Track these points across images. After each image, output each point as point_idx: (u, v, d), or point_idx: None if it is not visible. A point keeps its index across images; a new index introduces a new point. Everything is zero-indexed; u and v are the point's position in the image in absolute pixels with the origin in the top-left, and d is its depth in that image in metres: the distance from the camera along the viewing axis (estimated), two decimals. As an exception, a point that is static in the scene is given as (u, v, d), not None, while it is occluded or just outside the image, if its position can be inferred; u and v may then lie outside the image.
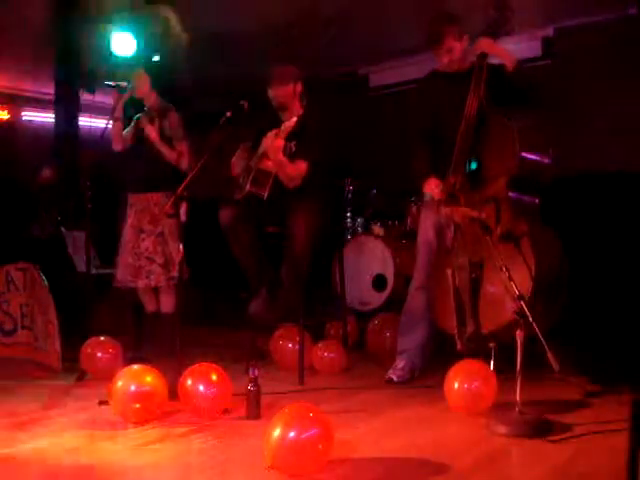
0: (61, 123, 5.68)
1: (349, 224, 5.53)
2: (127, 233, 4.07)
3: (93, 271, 4.08)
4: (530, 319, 2.50)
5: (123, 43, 5.21)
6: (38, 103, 8.34)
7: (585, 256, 3.99)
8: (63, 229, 5.03)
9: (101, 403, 2.91)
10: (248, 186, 3.63)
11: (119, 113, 4.11)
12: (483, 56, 3.19)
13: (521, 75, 3.16)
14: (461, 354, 2.99)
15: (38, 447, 2.41)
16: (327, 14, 5.60)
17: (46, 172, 6.52)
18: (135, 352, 3.78)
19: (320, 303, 5.00)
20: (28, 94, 8.39)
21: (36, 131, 8.38)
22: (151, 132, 3.99)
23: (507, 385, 2.73)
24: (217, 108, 3.50)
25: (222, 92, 6.37)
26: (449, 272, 3.06)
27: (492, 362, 3.06)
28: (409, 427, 2.65)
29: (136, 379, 2.68)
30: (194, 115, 4.33)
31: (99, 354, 3.49)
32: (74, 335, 3.68)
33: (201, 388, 2.72)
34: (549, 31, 5.96)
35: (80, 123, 5.65)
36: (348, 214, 5.54)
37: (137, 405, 2.65)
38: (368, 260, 5.03)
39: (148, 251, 3.97)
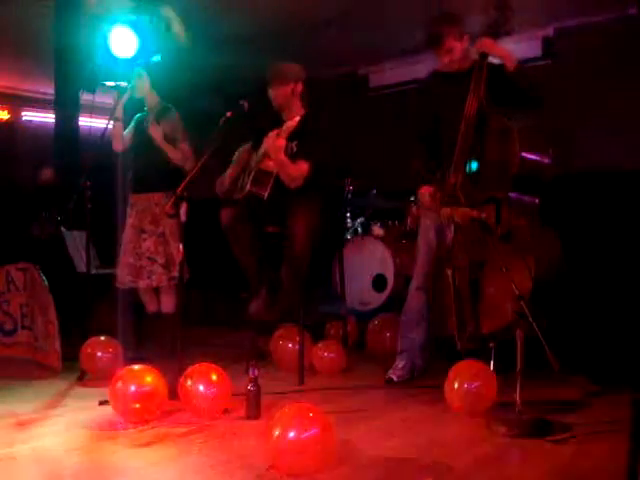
0: (61, 123, 5.67)
1: (349, 224, 5.53)
2: (128, 233, 4.07)
3: (93, 271, 4.08)
4: (530, 319, 2.50)
5: (123, 43, 5.20)
6: (38, 103, 8.33)
7: (585, 256, 3.99)
8: (63, 229, 5.02)
9: (101, 403, 2.91)
10: (248, 186, 3.63)
11: (119, 113, 4.10)
12: (483, 56, 3.19)
13: (521, 75, 3.16)
14: (461, 354, 2.99)
15: (38, 447, 2.41)
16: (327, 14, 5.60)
17: (46, 172, 6.51)
18: (135, 352, 3.78)
19: (320, 303, 5.00)
20: (28, 94, 8.39)
21: (36, 131, 8.37)
22: (155, 133, 3.99)
23: (507, 385, 2.73)
24: (217, 108, 3.50)
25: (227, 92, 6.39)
26: (449, 272, 3.07)
27: (492, 362, 3.06)
28: (409, 427, 2.65)
29: (136, 379, 2.68)
30: (194, 115, 4.32)
31: (99, 354, 3.49)
32: (74, 335, 3.68)
33: (201, 388, 2.72)
34: (549, 31, 5.96)
35: (80, 123, 5.64)
36: (348, 214, 5.54)
37: (137, 405, 2.65)
38: (368, 260, 5.03)
39: (149, 251, 3.97)
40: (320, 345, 3.71)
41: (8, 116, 8.49)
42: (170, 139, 4.03)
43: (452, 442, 2.50)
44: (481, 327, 3.01)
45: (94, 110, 4.64)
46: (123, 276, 4.02)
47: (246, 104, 3.43)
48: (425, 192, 3.29)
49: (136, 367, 2.77)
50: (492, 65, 3.22)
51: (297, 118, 3.47)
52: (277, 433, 2.06)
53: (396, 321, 3.62)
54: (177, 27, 5.75)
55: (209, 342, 4.51)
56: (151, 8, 5.56)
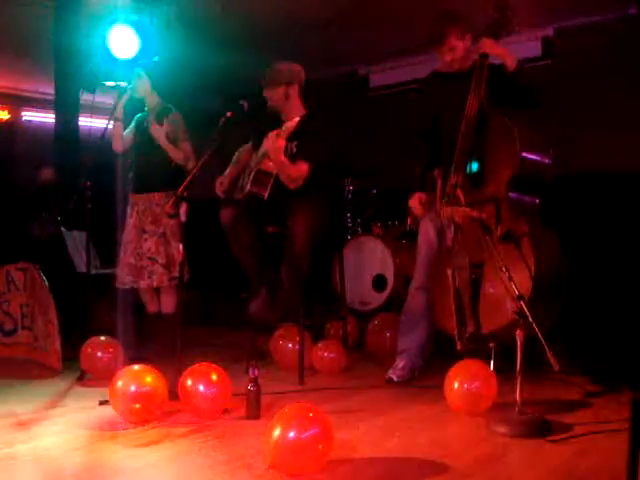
0: (61, 123, 5.67)
1: (349, 224, 5.53)
2: (129, 233, 4.07)
3: (93, 271, 4.08)
4: (530, 319, 2.50)
5: (123, 43, 5.20)
6: (38, 103, 8.33)
7: (585, 256, 3.99)
8: (63, 229, 5.03)
9: (101, 403, 2.91)
10: (249, 186, 3.63)
11: (119, 113, 4.11)
12: (484, 56, 3.19)
13: (522, 75, 3.16)
14: (461, 354, 2.99)
15: (38, 447, 2.41)
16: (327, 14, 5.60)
17: (46, 172, 6.51)
18: (135, 352, 3.78)
19: (320, 303, 5.00)
20: (28, 94, 8.39)
21: (36, 131, 8.37)
22: (157, 133, 3.98)
23: (507, 385, 2.73)
24: (217, 108, 3.51)
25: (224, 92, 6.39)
26: (449, 272, 3.07)
27: (492, 362, 3.06)
28: (409, 427, 2.65)
29: (136, 379, 2.68)
30: (194, 115, 4.33)
31: (99, 354, 3.49)
32: (74, 335, 3.68)
33: (201, 388, 2.72)
34: (549, 31, 5.96)
35: (80, 123, 5.64)
36: (348, 214, 5.54)
37: (137, 405, 2.65)
38: (368, 260, 5.03)
39: (150, 251, 3.97)
40: (320, 345, 3.71)
41: (8, 116, 8.49)
42: (172, 139, 4.03)
43: (452, 442, 2.50)
44: (481, 327, 3.01)
45: (94, 110, 4.64)
46: (123, 276, 4.02)
47: (246, 104, 3.43)
48: (415, 201, 3.35)
49: (136, 367, 2.77)
50: (492, 65, 3.22)
51: (296, 119, 3.47)
52: (277, 433, 2.06)
53: (396, 321, 3.62)
54: (176, 27, 5.75)
55: (209, 342, 4.51)
56: (151, 8, 5.57)
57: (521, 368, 2.50)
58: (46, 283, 3.70)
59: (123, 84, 4.12)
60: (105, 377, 3.02)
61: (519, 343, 2.48)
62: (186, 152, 4.03)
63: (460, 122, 3.16)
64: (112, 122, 4.08)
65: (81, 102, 5.60)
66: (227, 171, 3.86)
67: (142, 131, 4.09)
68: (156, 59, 4.85)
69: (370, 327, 4.18)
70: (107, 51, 5.11)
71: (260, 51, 5.05)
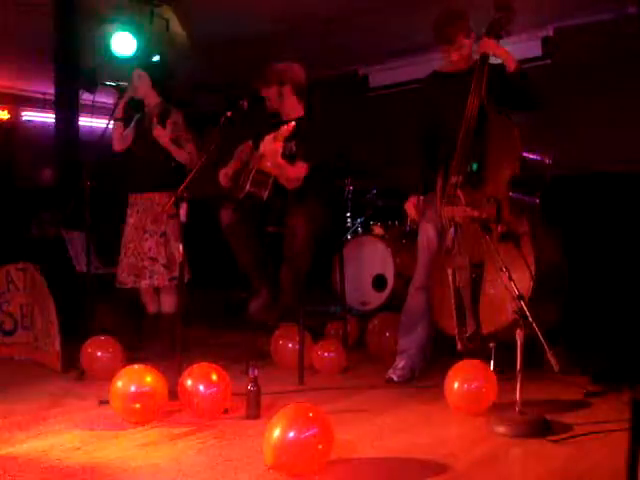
0: (61, 123, 5.68)
1: (349, 224, 5.53)
2: (129, 233, 4.06)
3: (93, 271, 4.08)
4: (530, 319, 2.50)
5: (123, 43, 5.21)
6: (38, 103, 8.33)
7: (585, 256, 3.99)
8: (63, 229, 5.03)
9: (101, 403, 2.91)
10: (248, 186, 3.63)
11: (120, 113, 4.10)
12: (485, 56, 3.19)
13: (522, 76, 3.16)
14: (461, 354, 2.99)
15: (38, 447, 2.41)
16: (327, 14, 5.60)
17: (46, 172, 6.52)
18: (135, 352, 3.78)
19: (320, 303, 5.00)
20: (28, 94, 8.39)
21: (36, 131, 8.37)
22: (161, 134, 3.98)
23: (507, 385, 2.73)
24: (217, 108, 3.51)
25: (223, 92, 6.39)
26: (449, 272, 3.07)
27: (492, 362, 3.06)
28: (409, 427, 2.65)
29: (136, 379, 2.68)
30: (194, 115, 4.33)
31: (99, 354, 3.49)
32: (74, 335, 3.68)
33: (201, 388, 2.72)
34: (549, 31, 5.96)
35: (80, 123, 5.65)
36: (348, 214, 5.54)
37: (137, 405, 2.65)
38: (368, 260, 5.03)
39: (151, 251, 3.97)
40: (320, 345, 3.71)
41: (8, 116, 8.49)
42: (175, 140, 4.02)
43: (452, 442, 2.50)
44: (481, 327, 3.01)
45: (94, 110, 4.64)
46: (124, 276, 4.02)
47: (246, 104, 3.43)
48: (410, 204, 3.37)
49: (136, 367, 2.77)
50: (493, 65, 3.22)
51: (293, 123, 3.48)
52: (277, 433, 2.06)
53: (396, 321, 3.61)
54: (176, 27, 5.76)
55: (209, 342, 4.51)
56: (151, 8, 5.57)
57: (521, 368, 2.50)
58: (46, 283, 3.70)
59: (123, 84, 4.12)
60: (105, 377, 3.02)
61: (519, 343, 2.48)
62: (191, 152, 4.03)
63: (460, 122, 3.16)
64: (112, 122, 4.08)
65: (81, 102, 5.60)
66: (230, 163, 3.87)
67: (142, 131, 4.08)
68: (156, 59, 4.85)
69: (370, 327, 4.18)
70: (107, 51, 5.12)
71: (260, 51, 5.05)
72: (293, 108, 3.79)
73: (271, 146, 3.49)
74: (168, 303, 4.07)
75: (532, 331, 2.51)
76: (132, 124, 4.14)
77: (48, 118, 7.58)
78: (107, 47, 5.18)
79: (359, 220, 5.51)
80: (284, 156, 3.53)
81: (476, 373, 2.78)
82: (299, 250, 3.54)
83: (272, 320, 3.82)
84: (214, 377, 2.75)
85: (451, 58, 3.30)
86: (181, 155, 4.01)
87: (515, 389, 2.51)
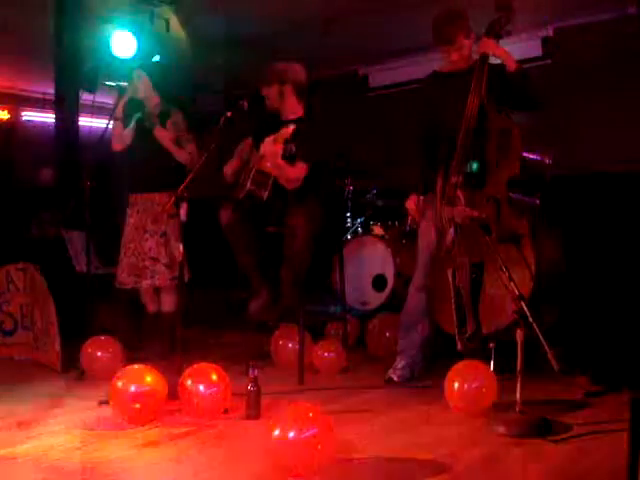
0: (61, 123, 5.68)
1: (349, 224, 5.53)
2: (129, 233, 4.06)
3: (93, 271, 4.08)
4: (530, 319, 2.50)
5: (123, 43, 5.21)
6: (38, 103, 8.33)
7: (585, 256, 3.99)
8: (63, 229, 5.03)
9: (101, 403, 2.91)
10: (249, 185, 3.63)
11: (119, 113, 4.10)
12: (484, 56, 3.19)
13: (522, 76, 3.16)
14: (461, 354, 2.99)
15: (38, 447, 2.41)
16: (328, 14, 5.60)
17: (46, 172, 6.51)
18: (135, 352, 3.78)
19: (320, 303, 5.00)
20: (28, 94, 8.39)
21: (36, 131, 8.37)
22: (162, 135, 3.97)
23: (507, 385, 2.72)
24: (217, 108, 3.51)
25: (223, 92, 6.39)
26: (449, 272, 3.07)
27: (492, 362, 3.06)
28: (409, 427, 2.65)
29: (136, 379, 2.68)
30: (194, 115, 4.33)
31: (99, 354, 3.49)
32: (74, 335, 3.68)
33: (201, 388, 2.72)
34: (549, 31, 5.96)
35: (80, 123, 5.65)
36: (348, 214, 5.54)
37: (137, 405, 2.65)
38: (368, 260, 5.03)
39: (152, 251, 3.96)
40: (320, 345, 3.71)
41: (8, 116, 8.49)
42: (176, 140, 4.02)
43: (452, 442, 2.50)
44: (481, 327, 3.01)
45: (94, 110, 4.64)
46: (124, 277, 4.01)
47: (246, 104, 3.43)
48: (411, 202, 3.36)
49: (136, 367, 2.77)
50: (493, 65, 3.22)
51: (292, 127, 3.48)
52: (277, 433, 2.06)
53: (396, 321, 3.62)
54: (176, 27, 5.75)
55: (209, 342, 4.51)
56: (151, 8, 5.57)
57: (521, 368, 2.49)
58: (46, 283, 3.70)
59: (123, 84, 4.12)
60: (105, 377, 3.02)
61: (519, 343, 2.48)
62: (191, 152, 4.02)
63: (460, 122, 3.16)
64: (112, 122, 4.07)
65: (81, 102, 5.60)
66: (232, 161, 3.87)
67: (141, 131, 4.08)
68: (156, 59, 4.85)
69: (370, 327, 4.18)
70: (107, 51, 5.12)
71: (260, 51, 5.05)
72: (293, 108, 3.79)
73: (271, 148, 3.50)
74: (168, 303, 4.06)
75: (532, 331, 2.51)
76: (132, 124, 4.13)
77: (48, 118, 7.57)
78: (107, 47, 5.18)
79: (359, 220, 5.51)
80: (284, 157, 3.53)
81: (476, 373, 2.78)
82: (299, 250, 3.54)
83: (272, 320, 3.82)
84: (214, 377, 2.75)
85: (451, 58, 3.30)
86: (181, 155, 4.01)
87: (515, 389, 2.51)
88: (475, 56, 3.27)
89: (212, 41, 5.93)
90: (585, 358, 3.50)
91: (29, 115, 8.64)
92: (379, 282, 4.97)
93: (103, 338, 3.56)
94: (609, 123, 5.32)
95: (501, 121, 3.15)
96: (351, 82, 7.33)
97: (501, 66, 3.19)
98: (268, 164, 3.57)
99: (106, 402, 2.81)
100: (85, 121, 5.54)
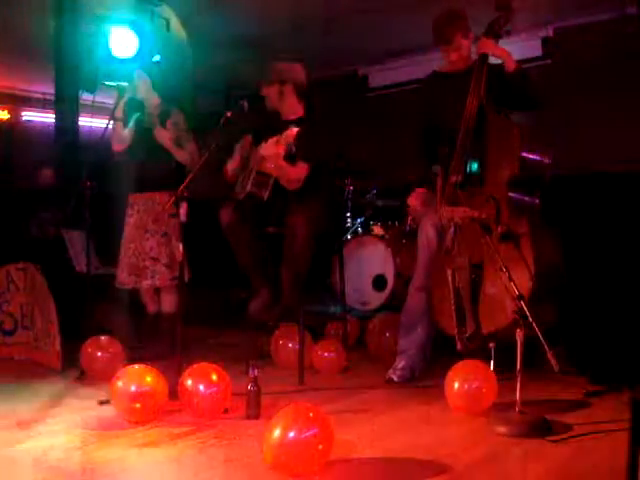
0: (61, 123, 5.68)
1: (349, 224, 5.53)
2: (129, 233, 4.05)
3: (93, 271, 4.08)
4: (530, 319, 2.50)
5: (123, 43, 5.20)
6: (38, 103, 8.34)
7: (585, 256, 3.99)
8: (63, 229, 5.03)
9: (101, 403, 2.91)
10: (249, 186, 3.63)
11: (119, 113, 4.10)
12: (484, 56, 3.20)
13: (521, 76, 3.16)
14: (461, 354, 2.99)
15: (38, 447, 2.41)
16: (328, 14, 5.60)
17: (46, 172, 6.51)
18: (135, 352, 3.77)
19: (320, 303, 5.00)
20: (28, 94, 8.39)
21: (36, 131, 8.37)
22: (163, 135, 3.97)
23: (507, 385, 2.73)
24: (217, 108, 3.51)
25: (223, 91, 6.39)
26: (449, 272, 3.06)
27: (492, 362, 3.06)
28: (409, 427, 2.65)
29: (136, 379, 2.68)
30: (194, 115, 4.33)
31: (99, 354, 3.49)
32: (74, 335, 3.68)
33: (201, 388, 2.72)
34: (549, 31, 5.97)
35: (80, 123, 5.65)
36: (348, 214, 5.54)
37: (137, 405, 2.65)
38: (368, 260, 5.03)
39: (153, 251, 3.96)
40: (320, 345, 3.71)
41: (8, 116, 8.49)
42: (176, 140, 4.02)
43: (452, 442, 2.50)
44: (481, 327, 3.01)
45: (94, 110, 4.64)
46: (125, 277, 4.01)
47: (246, 104, 3.43)
48: (414, 197, 3.36)
49: (136, 367, 2.77)
50: (492, 65, 3.22)
51: (295, 130, 3.48)
52: (277, 433, 2.06)
53: (396, 321, 3.62)
54: (177, 27, 5.75)
55: (209, 342, 4.51)
56: (151, 8, 5.57)
57: (521, 368, 2.49)
58: (46, 283, 3.70)
59: (123, 84, 4.12)
60: (105, 377, 3.02)
61: (519, 343, 2.48)
62: (191, 152, 4.02)
63: (460, 122, 3.16)
64: (112, 122, 4.07)
65: (81, 102, 5.60)
66: (232, 160, 3.87)
67: (141, 130, 4.08)
68: (156, 59, 4.85)
69: (370, 327, 4.18)
70: (107, 51, 5.12)
71: (260, 51, 5.06)
72: (293, 108, 3.79)
73: (273, 149, 3.50)
74: (168, 302, 4.06)
75: (532, 331, 2.51)
76: (131, 124, 4.13)
77: (48, 118, 7.58)
78: (107, 47, 5.18)
79: (359, 220, 5.51)
80: (285, 158, 3.53)
81: (476, 373, 2.78)
82: (299, 250, 3.54)
83: (272, 320, 3.82)
84: (214, 377, 2.75)
85: (450, 58, 3.30)
86: (182, 155, 4.01)
87: (515, 389, 2.51)
88: (474, 56, 3.28)
89: (212, 41, 5.94)
90: (585, 358, 3.50)
91: (29, 115, 8.64)
92: (379, 282, 4.98)
93: (103, 338, 3.56)
94: (609, 123, 5.33)
95: (500, 121, 3.15)
96: (351, 82, 7.33)
97: (500, 66, 3.19)
98: (270, 165, 3.56)
99: (106, 402, 2.82)
100: (85, 121, 5.54)
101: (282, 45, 5.23)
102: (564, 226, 3.42)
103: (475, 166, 3.14)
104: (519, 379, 2.50)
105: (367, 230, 5.41)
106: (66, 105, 5.61)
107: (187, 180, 3.16)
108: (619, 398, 2.89)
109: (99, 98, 5.00)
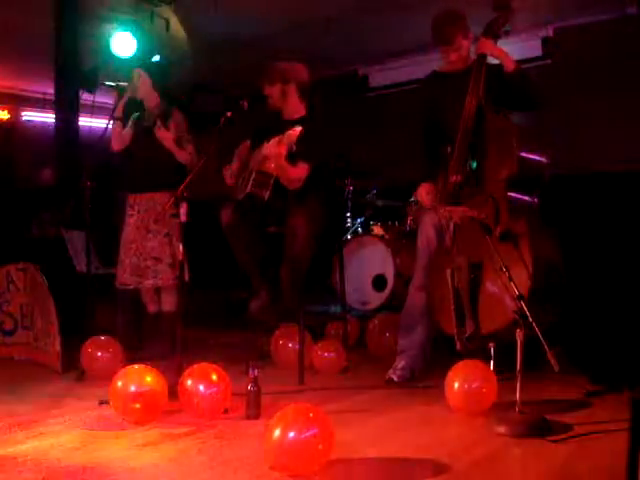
0: (61, 123, 5.68)
1: (349, 224, 5.54)
2: (130, 233, 4.04)
3: (93, 271, 4.08)
4: (530, 319, 2.50)
5: (123, 43, 5.22)
6: (38, 103, 8.34)
7: (584, 256, 3.99)
8: (63, 229, 5.03)
9: (101, 403, 2.91)
10: (249, 187, 3.63)
11: (119, 113, 4.10)
12: (482, 57, 3.20)
13: (520, 76, 3.16)
14: (461, 354, 2.99)
15: (38, 447, 2.41)
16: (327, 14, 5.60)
17: (46, 172, 6.52)
18: (135, 352, 3.78)
19: (320, 303, 5.00)
20: (28, 94, 8.39)
21: (36, 131, 8.38)
22: (165, 136, 3.97)
23: (507, 385, 2.73)
24: (217, 108, 3.51)
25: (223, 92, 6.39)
26: (448, 272, 3.06)
27: (492, 362, 3.06)
28: (409, 427, 2.65)
29: (136, 379, 2.68)
30: (194, 115, 4.33)
31: (99, 354, 3.49)
32: (74, 335, 3.68)
33: (201, 388, 2.72)
34: (549, 31, 5.97)
35: (80, 123, 5.65)
36: (348, 214, 5.55)
37: (137, 405, 2.64)
38: (368, 260, 5.03)
39: (155, 251, 3.96)
40: (320, 345, 3.71)
41: (8, 116, 8.49)
42: (177, 140, 4.01)
43: (452, 442, 2.50)
44: (480, 327, 3.01)
45: (94, 110, 4.64)
46: (125, 277, 4.00)
47: (246, 104, 3.43)
48: (423, 191, 3.31)
49: (136, 367, 2.77)
50: (491, 65, 3.22)
51: (299, 129, 3.47)
52: (277, 433, 2.06)
53: (396, 321, 3.62)
54: (176, 27, 5.76)
55: (209, 342, 4.51)
56: (151, 8, 5.57)
57: (521, 368, 2.49)
58: (46, 283, 3.70)
59: (123, 84, 4.12)
60: (105, 377, 3.02)
61: (519, 343, 2.48)
62: (191, 152, 4.02)
63: (459, 122, 3.16)
64: (112, 122, 4.07)
65: (81, 102, 5.60)
66: (232, 163, 3.88)
67: (142, 131, 4.08)
68: (156, 59, 4.85)
69: (370, 327, 4.18)
70: (107, 51, 5.13)
71: (260, 51, 5.05)
72: (295, 108, 3.79)
73: (276, 150, 3.49)
74: (169, 303, 4.06)
75: (532, 331, 2.51)
76: (130, 123, 4.12)
77: (48, 118, 7.58)
78: (107, 47, 5.19)
79: (359, 220, 5.51)
80: (286, 157, 3.53)
81: (476, 373, 2.78)
82: (299, 250, 3.54)
83: (272, 320, 3.82)
84: (214, 377, 2.75)
85: (450, 58, 3.30)
86: (183, 156, 4.01)
87: (515, 389, 2.51)
88: (474, 56, 3.28)
89: (212, 41, 5.94)
90: (585, 358, 3.50)
91: (29, 115, 8.65)
92: (379, 282, 4.98)
93: (103, 338, 3.56)
94: (609, 123, 5.33)
95: (499, 121, 3.15)
96: (351, 82, 7.33)
97: (499, 66, 3.19)
98: (272, 165, 3.56)
99: (106, 402, 2.81)
100: (85, 121, 5.55)
101: (282, 45, 5.24)
102: (563, 226, 3.42)
103: (474, 166, 3.14)
104: (519, 379, 2.50)
105: (367, 230, 5.41)
106: (66, 105, 5.62)
107: (187, 180, 3.16)
108: (619, 398, 2.89)
109: (99, 98, 5.00)
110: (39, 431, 2.60)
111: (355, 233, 5.45)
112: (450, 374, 2.82)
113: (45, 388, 3.29)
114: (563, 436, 2.44)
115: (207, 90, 7.08)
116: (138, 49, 5.21)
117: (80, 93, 5.53)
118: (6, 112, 8.46)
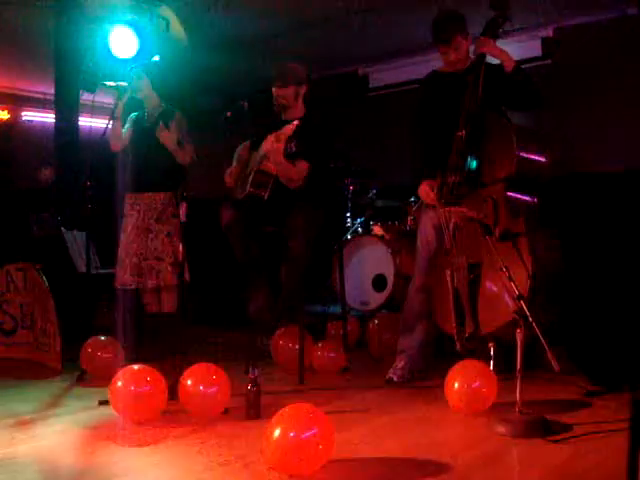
0: (61, 123, 5.68)
1: (349, 224, 5.53)
2: (130, 233, 4.03)
3: (93, 271, 4.08)
4: (530, 319, 2.50)
5: (123, 43, 5.20)
6: (38, 103, 8.34)
7: (584, 255, 3.99)
8: (63, 229, 5.03)
9: (101, 403, 2.91)
10: (249, 187, 3.63)
11: (119, 113, 4.10)
12: (482, 57, 3.20)
13: (520, 76, 3.16)
14: (461, 354, 2.99)
15: (38, 447, 2.41)
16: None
17: (46, 172, 6.52)
18: (135, 352, 3.77)
19: (320, 303, 5.00)
20: (28, 94, 8.39)
21: (36, 131, 8.38)
22: (167, 138, 3.96)
23: (507, 385, 2.73)
24: (217, 108, 3.51)
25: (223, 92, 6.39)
26: (448, 272, 3.07)
27: (492, 362, 3.06)
28: (409, 427, 2.65)
29: (136, 379, 2.68)
30: (194, 115, 4.33)
31: (99, 354, 3.49)
32: (74, 335, 3.68)
33: (201, 388, 2.72)
34: (549, 31, 5.97)
35: (80, 123, 5.65)
36: (348, 214, 5.54)
37: (137, 405, 2.65)
38: (368, 260, 5.03)
39: (157, 250, 3.95)
40: (320, 345, 3.71)
41: (8, 116, 8.49)
42: (178, 141, 4.01)
43: (452, 442, 2.50)
44: (480, 327, 3.01)
45: (94, 110, 4.64)
46: (127, 277, 3.99)
47: (246, 104, 3.43)
48: (425, 188, 3.30)
49: (136, 367, 2.77)
50: (490, 65, 3.22)
51: (295, 122, 3.47)
52: (277, 433, 2.06)
53: (396, 321, 3.62)
54: (176, 27, 5.75)
55: (209, 342, 4.51)
56: (150, 8, 5.57)
57: (521, 368, 2.49)
58: (46, 283, 3.70)
59: (123, 84, 4.11)
60: (105, 377, 3.02)
61: (519, 343, 2.48)
62: (191, 153, 4.02)
63: (458, 121, 3.16)
64: (112, 122, 4.07)
65: (81, 102, 5.60)
66: (233, 164, 3.87)
67: (142, 131, 4.07)
68: (156, 59, 4.85)
69: (370, 327, 4.18)
70: (107, 51, 5.12)
71: (261, 51, 5.06)
72: (299, 108, 3.80)
73: (273, 145, 3.49)
74: (169, 303, 4.05)
75: (532, 331, 2.51)
76: (128, 123, 4.12)
77: (48, 118, 7.58)
78: (107, 47, 5.18)
79: (359, 220, 5.51)
80: (285, 156, 3.53)
81: (476, 373, 2.78)
82: (299, 250, 3.54)
83: (272, 320, 3.82)
84: (214, 377, 2.75)
85: (449, 58, 3.30)
86: (183, 156, 4.01)
87: (515, 389, 2.51)
88: (473, 56, 3.28)
89: (212, 41, 5.94)
90: (585, 358, 3.50)
91: (29, 115, 8.64)
92: (379, 282, 4.98)
93: (103, 338, 3.56)
94: (609, 123, 5.33)
95: (498, 121, 3.15)
96: (351, 82, 7.33)
97: (499, 66, 3.19)
98: (270, 164, 3.56)
99: (106, 402, 2.82)
100: (85, 121, 5.54)
101: (282, 45, 5.25)
102: (563, 226, 3.42)
103: (474, 166, 3.14)
104: (519, 379, 2.50)
105: (367, 230, 5.41)
106: (66, 105, 5.62)
107: (187, 180, 3.16)
108: (619, 398, 2.89)
109: (99, 98, 5.00)
110: (39, 431, 2.60)
111: (355, 233, 5.44)
112: (450, 374, 2.82)
113: (45, 388, 3.29)
114: (563, 436, 2.44)
115: (207, 90, 7.08)
116: (138, 49, 5.20)
117: (80, 93, 5.53)
118: (6, 112, 8.45)
